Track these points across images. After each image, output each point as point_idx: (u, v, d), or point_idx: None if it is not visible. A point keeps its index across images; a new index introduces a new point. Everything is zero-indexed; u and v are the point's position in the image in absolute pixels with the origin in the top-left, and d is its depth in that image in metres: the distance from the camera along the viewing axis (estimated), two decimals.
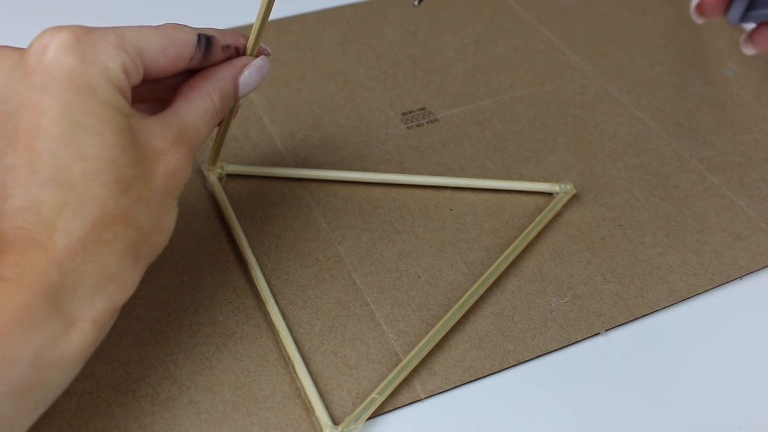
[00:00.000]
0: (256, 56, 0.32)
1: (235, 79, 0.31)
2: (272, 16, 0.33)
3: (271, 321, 0.34)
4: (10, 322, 0.23)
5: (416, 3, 0.35)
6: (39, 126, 0.25)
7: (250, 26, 0.32)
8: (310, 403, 0.31)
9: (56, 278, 0.24)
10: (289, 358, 0.32)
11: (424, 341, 0.33)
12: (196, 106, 0.29)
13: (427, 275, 0.37)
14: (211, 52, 0.30)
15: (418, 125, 0.45)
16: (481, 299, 0.35)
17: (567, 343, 0.34)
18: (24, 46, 0.27)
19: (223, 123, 0.35)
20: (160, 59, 0.28)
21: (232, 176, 0.41)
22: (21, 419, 0.24)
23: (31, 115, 0.25)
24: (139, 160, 0.26)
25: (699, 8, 0.34)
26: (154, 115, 0.28)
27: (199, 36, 0.29)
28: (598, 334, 0.34)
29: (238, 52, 0.32)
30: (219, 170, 0.40)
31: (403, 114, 0.46)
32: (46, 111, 0.25)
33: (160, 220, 0.28)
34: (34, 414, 0.25)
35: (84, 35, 0.26)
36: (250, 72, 0.32)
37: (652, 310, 0.35)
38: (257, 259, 0.36)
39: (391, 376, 0.32)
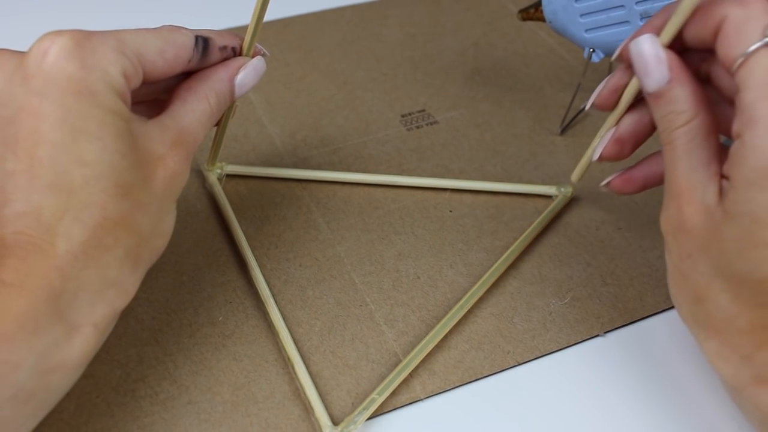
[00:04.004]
0: (252, 56, 0.32)
1: (231, 79, 0.31)
2: (272, 16, 0.33)
3: (271, 321, 0.34)
4: (13, 327, 0.23)
5: None
6: (39, 131, 0.25)
7: (247, 27, 0.32)
8: (309, 403, 0.31)
9: (58, 283, 0.24)
10: (288, 359, 0.32)
11: (423, 342, 0.33)
12: (193, 108, 0.29)
13: (427, 276, 0.37)
14: (208, 53, 0.30)
15: (417, 127, 0.45)
16: (481, 300, 0.35)
17: (566, 345, 0.34)
18: (23, 49, 0.26)
19: (221, 123, 0.36)
20: (158, 62, 0.28)
21: (231, 176, 0.41)
22: (23, 424, 0.24)
23: (31, 121, 0.25)
24: (139, 164, 0.26)
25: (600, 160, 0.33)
26: (152, 119, 0.28)
27: (197, 38, 0.29)
28: (597, 335, 0.35)
29: (235, 53, 0.32)
30: (218, 170, 0.40)
31: (403, 116, 0.46)
32: (47, 116, 0.25)
33: (159, 224, 0.28)
34: (36, 418, 0.25)
35: (84, 40, 0.25)
36: (246, 72, 0.32)
37: (651, 313, 0.35)
38: (257, 260, 0.36)
39: (390, 376, 0.32)
